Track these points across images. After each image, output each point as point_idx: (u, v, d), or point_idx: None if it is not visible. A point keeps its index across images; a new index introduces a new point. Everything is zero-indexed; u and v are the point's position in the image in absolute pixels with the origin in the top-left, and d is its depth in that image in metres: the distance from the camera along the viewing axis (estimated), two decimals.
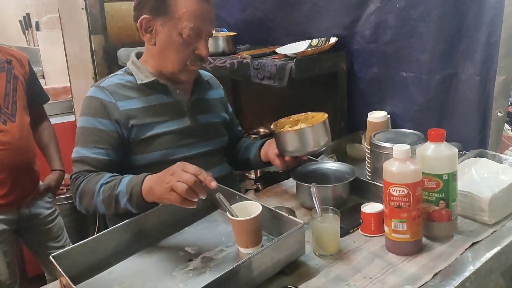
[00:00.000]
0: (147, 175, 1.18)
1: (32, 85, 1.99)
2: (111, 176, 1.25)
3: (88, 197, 1.25)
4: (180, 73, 1.36)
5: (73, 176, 1.30)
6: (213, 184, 1.07)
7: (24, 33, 4.72)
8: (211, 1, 1.34)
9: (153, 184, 1.14)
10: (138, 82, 1.36)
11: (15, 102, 1.85)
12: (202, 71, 1.54)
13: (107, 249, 1.12)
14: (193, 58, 1.34)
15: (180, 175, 1.06)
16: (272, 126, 1.41)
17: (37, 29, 4.47)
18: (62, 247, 2.03)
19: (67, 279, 0.96)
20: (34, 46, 4.54)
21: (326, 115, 1.37)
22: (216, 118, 1.51)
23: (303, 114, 1.45)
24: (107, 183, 1.23)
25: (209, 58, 1.97)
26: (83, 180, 1.27)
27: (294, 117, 1.45)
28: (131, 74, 1.39)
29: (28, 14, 4.57)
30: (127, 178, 1.22)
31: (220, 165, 1.50)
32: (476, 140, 1.51)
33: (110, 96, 1.33)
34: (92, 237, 1.11)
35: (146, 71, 1.38)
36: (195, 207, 1.09)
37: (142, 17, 1.31)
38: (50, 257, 1.02)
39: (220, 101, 1.57)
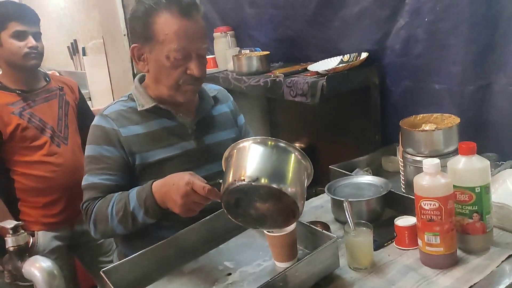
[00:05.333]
0: (152, 183, 1.23)
1: (82, 109, 2.13)
2: (117, 196, 1.29)
3: (103, 223, 1.29)
4: (176, 95, 1.35)
5: (83, 206, 1.33)
6: None
7: (72, 58, 5.00)
8: (197, 17, 1.30)
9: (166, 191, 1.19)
10: (139, 109, 1.37)
11: (67, 126, 1.98)
12: (211, 86, 1.55)
13: (151, 264, 1.20)
14: (186, 78, 1.32)
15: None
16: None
17: (84, 54, 4.72)
18: (112, 261, 2.13)
19: None
20: (81, 70, 4.80)
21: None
22: (225, 135, 1.49)
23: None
24: (116, 204, 1.27)
25: (243, 77, 2.06)
26: (94, 208, 1.30)
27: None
28: (133, 100, 1.40)
29: (75, 40, 4.85)
30: (133, 193, 1.26)
31: None
32: None
33: (113, 123, 1.35)
34: (137, 253, 1.19)
35: (147, 97, 1.38)
36: None
37: (132, 46, 1.34)
38: (101, 272, 1.11)
39: (228, 115, 1.54)
